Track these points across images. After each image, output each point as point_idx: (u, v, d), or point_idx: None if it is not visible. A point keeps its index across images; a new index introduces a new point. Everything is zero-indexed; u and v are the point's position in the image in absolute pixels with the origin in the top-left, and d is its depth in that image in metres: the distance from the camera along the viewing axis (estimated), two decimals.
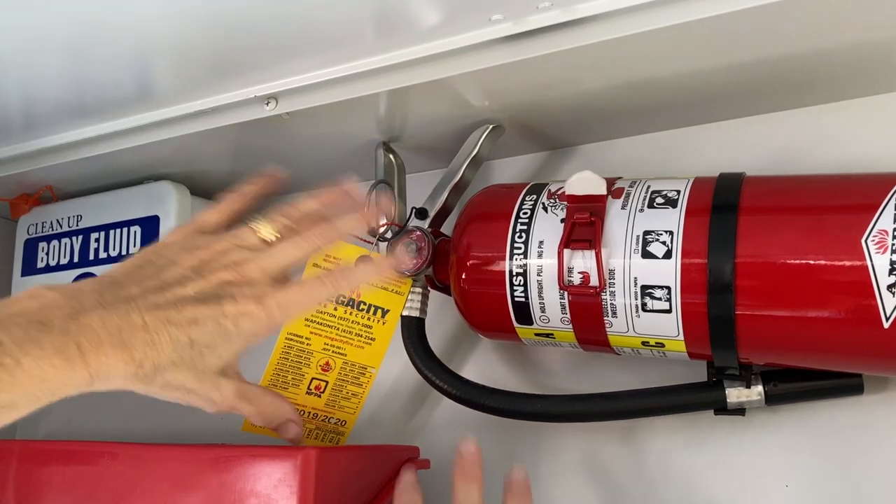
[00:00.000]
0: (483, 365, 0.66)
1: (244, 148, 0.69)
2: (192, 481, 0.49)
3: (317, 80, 0.55)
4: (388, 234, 0.61)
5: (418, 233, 0.59)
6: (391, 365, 0.62)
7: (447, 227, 0.62)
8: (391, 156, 0.66)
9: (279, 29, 0.50)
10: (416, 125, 0.64)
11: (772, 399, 0.50)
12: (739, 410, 0.51)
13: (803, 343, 0.46)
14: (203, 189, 0.76)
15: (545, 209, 0.52)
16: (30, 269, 0.79)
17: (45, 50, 0.54)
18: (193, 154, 0.70)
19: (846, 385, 0.50)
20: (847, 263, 0.43)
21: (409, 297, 0.60)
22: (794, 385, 0.50)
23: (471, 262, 0.54)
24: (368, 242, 0.62)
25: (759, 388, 0.50)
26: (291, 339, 0.59)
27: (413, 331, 0.60)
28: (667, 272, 0.46)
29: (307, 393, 0.60)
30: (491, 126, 0.61)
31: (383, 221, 0.62)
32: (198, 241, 0.44)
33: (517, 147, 0.67)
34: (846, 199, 0.45)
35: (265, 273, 0.43)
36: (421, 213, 0.61)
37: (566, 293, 0.49)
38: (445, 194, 0.61)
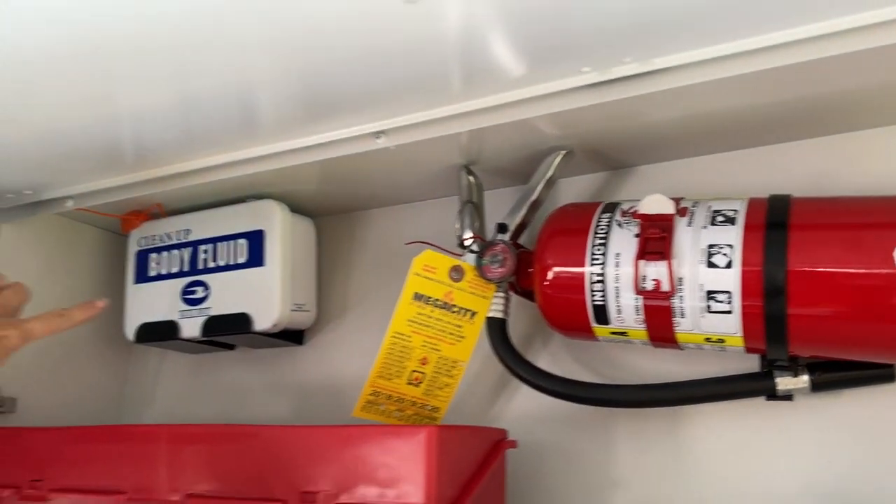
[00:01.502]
0: (555, 358, 0.75)
1: (338, 171, 0.77)
2: (327, 456, 0.58)
3: (420, 119, 0.65)
4: (474, 247, 0.71)
5: (502, 245, 0.68)
6: (473, 359, 0.71)
7: (524, 240, 0.71)
8: (471, 177, 0.75)
9: (391, 77, 0.60)
10: (493, 151, 0.73)
11: (816, 386, 0.59)
12: (787, 396, 0.60)
13: (843, 338, 0.55)
14: (293, 205, 0.85)
15: (619, 225, 0.61)
16: (142, 277, 0.89)
17: (156, 96, 0.63)
18: (292, 177, 0.79)
19: (879, 374, 0.59)
20: (880, 271, 0.52)
21: (494, 301, 0.70)
22: (835, 374, 0.59)
23: (553, 270, 0.63)
24: (457, 254, 0.71)
25: (806, 377, 0.59)
26: (396, 337, 0.69)
27: (497, 330, 0.69)
28: (728, 280, 0.55)
29: (408, 383, 0.70)
30: (564, 152, 0.70)
31: (469, 235, 0.72)
32: None
33: (582, 167, 0.76)
34: (879, 217, 0.54)
35: (7, 308, 0.68)
36: (502, 228, 0.70)
37: (640, 297, 0.58)
38: (523, 211, 0.70)
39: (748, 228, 0.56)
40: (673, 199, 0.60)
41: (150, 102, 0.64)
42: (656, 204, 0.58)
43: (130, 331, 0.88)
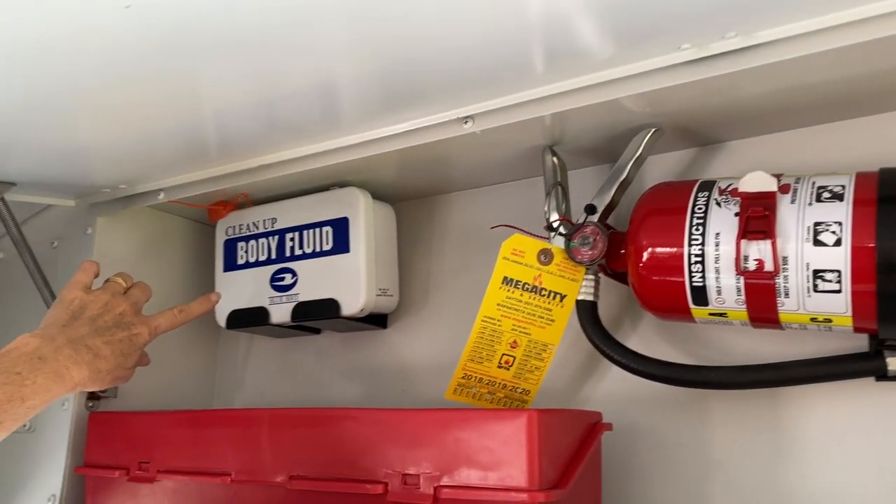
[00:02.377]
0: (645, 340, 0.74)
1: (419, 157, 0.78)
2: (427, 439, 0.59)
3: (507, 103, 0.65)
4: (563, 230, 0.70)
5: (592, 227, 0.68)
6: (560, 342, 0.71)
7: (612, 220, 0.70)
8: (555, 158, 0.75)
9: (476, 62, 0.59)
10: (577, 131, 0.72)
11: None
12: None
13: None
14: (374, 191, 0.86)
15: (718, 204, 0.59)
16: (230, 265, 0.92)
17: (241, 94, 0.64)
18: (373, 164, 0.80)
19: None
20: None
21: (584, 284, 0.69)
22: None
23: (649, 251, 0.62)
24: (544, 237, 0.71)
25: None
26: (486, 321, 0.69)
27: (589, 313, 0.69)
28: (837, 258, 0.54)
29: (498, 367, 0.70)
30: (653, 129, 0.69)
31: (556, 217, 0.71)
32: (91, 294, 0.73)
33: (670, 144, 0.74)
34: None
35: (138, 306, 0.75)
36: (591, 209, 0.69)
37: (742, 278, 0.57)
38: (612, 191, 0.69)
39: (858, 204, 0.54)
40: (774, 175, 0.58)
41: (234, 97, 0.66)
42: (758, 181, 0.57)
43: (221, 317, 0.91)
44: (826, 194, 0.56)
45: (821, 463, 0.65)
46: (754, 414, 0.68)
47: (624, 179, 0.69)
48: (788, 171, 0.61)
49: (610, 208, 0.70)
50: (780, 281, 0.56)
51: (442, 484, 0.58)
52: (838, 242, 0.54)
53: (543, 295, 0.69)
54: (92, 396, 0.87)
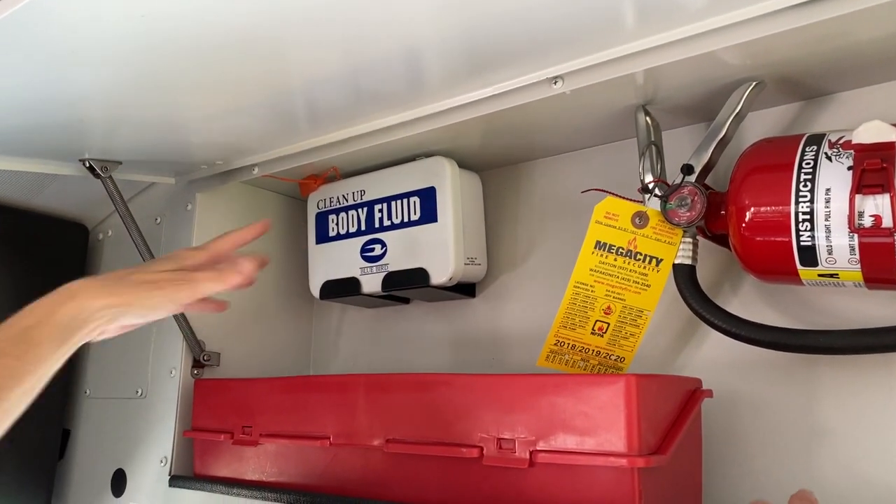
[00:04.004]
0: (746, 304, 0.71)
1: (505, 123, 0.77)
2: (521, 404, 0.59)
3: (599, 60, 0.62)
4: (658, 191, 0.68)
5: (690, 188, 0.65)
6: (657, 309, 0.69)
7: (710, 181, 0.67)
8: (648, 118, 0.72)
9: (561, 19, 0.57)
10: (671, 88, 0.69)
11: None
12: None
13: None
14: (459, 160, 0.86)
15: (829, 158, 0.56)
16: (322, 238, 0.94)
17: (328, 66, 0.65)
18: (459, 132, 0.79)
19: None
20: None
21: (681, 247, 0.67)
22: None
23: (752, 211, 0.59)
24: (637, 200, 0.69)
25: None
26: (578, 287, 0.68)
27: (687, 277, 0.66)
28: None
29: (591, 333, 0.69)
30: (754, 83, 0.65)
31: (651, 178, 0.69)
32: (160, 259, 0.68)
33: (773, 99, 0.70)
34: None
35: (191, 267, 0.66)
36: (688, 169, 0.67)
37: (856, 235, 0.54)
38: (711, 150, 0.66)
39: None
40: (894, 125, 0.54)
41: (321, 70, 0.66)
42: (875, 131, 0.53)
43: (315, 288, 0.94)
44: None
45: None
46: (866, 381, 0.64)
47: (723, 137, 0.66)
48: None
49: (708, 168, 0.67)
50: None
51: (538, 448, 0.57)
52: None
53: (638, 259, 0.67)
54: (196, 364, 0.92)
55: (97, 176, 0.84)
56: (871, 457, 0.63)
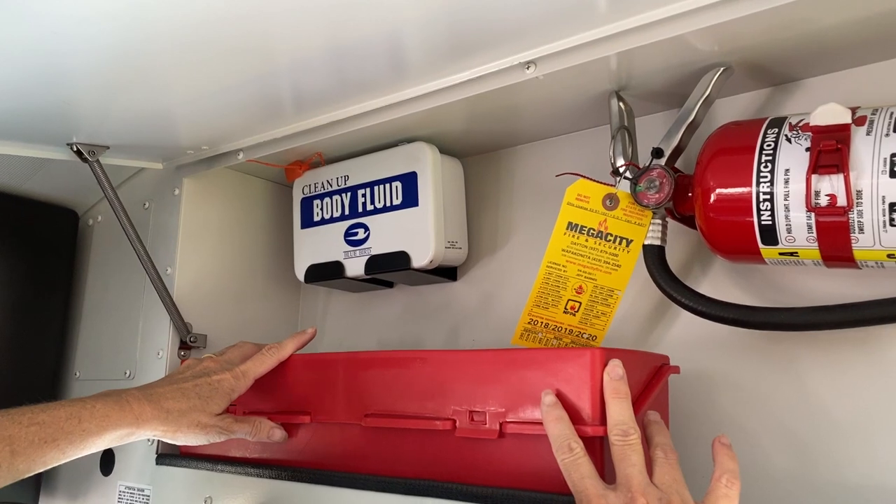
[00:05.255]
0: (716, 285, 0.73)
1: (485, 108, 0.78)
2: (493, 378, 0.61)
3: (570, 44, 0.64)
4: (628, 174, 0.70)
5: (659, 170, 0.67)
6: (628, 287, 0.71)
7: (680, 164, 0.69)
8: (621, 103, 0.74)
9: (539, 3, 0.59)
10: (644, 74, 0.70)
11: None
12: None
13: None
14: (441, 146, 0.88)
15: (788, 140, 0.58)
16: (307, 223, 0.96)
17: (311, 49, 0.66)
18: (440, 117, 0.81)
19: None
20: None
21: (651, 228, 0.69)
22: None
23: (717, 192, 0.61)
24: (610, 184, 0.70)
25: None
26: (551, 267, 0.70)
27: (656, 257, 0.68)
28: None
29: (564, 312, 0.71)
30: (722, 69, 0.67)
31: (622, 161, 0.71)
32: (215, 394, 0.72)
33: (742, 85, 0.72)
34: None
35: (225, 361, 0.75)
36: (657, 153, 0.68)
37: (813, 214, 0.56)
38: (680, 134, 0.68)
39: None
40: (850, 108, 0.56)
41: (305, 53, 0.68)
42: (830, 114, 0.55)
43: (300, 272, 0.96)
44: None
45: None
46: (832, 357, 0.66)
47: (692, 122, 0.68)
48: (872, 106, 0.58)
49: (678, 152, 0.69)
50: (853, 216, 0.54)
51: (507, 420, 0.60)
52: None
53: (609, 240, 0.69)
54: (183, 346, 0.94)
55: (85, 160, 0.86)
56: (813, 433, 0.66)
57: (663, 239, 0.69)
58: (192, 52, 0.66)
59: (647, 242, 0.69)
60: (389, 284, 0.99)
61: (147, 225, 0.99)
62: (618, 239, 0.69)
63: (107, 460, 0.96)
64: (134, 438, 0.66)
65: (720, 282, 0.73)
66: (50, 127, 0.81)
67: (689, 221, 0.68)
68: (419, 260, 0.85)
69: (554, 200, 0.70)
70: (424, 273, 0.88)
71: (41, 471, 0.60)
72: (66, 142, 0.85)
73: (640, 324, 0.77)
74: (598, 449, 0.56)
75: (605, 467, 0.55)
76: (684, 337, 0.74)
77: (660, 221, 0.69)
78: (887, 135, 0.53)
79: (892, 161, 0.52)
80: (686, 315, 0.68)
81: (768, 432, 0.68)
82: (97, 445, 0.63)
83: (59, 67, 0.68)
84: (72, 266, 1.11)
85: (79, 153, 0.85)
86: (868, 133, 0.54)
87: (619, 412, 0.54)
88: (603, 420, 0.55)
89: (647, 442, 0.55)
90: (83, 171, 0.88)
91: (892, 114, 0.55)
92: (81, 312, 1.08)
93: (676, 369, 0.67)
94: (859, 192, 0.54)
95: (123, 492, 0.92)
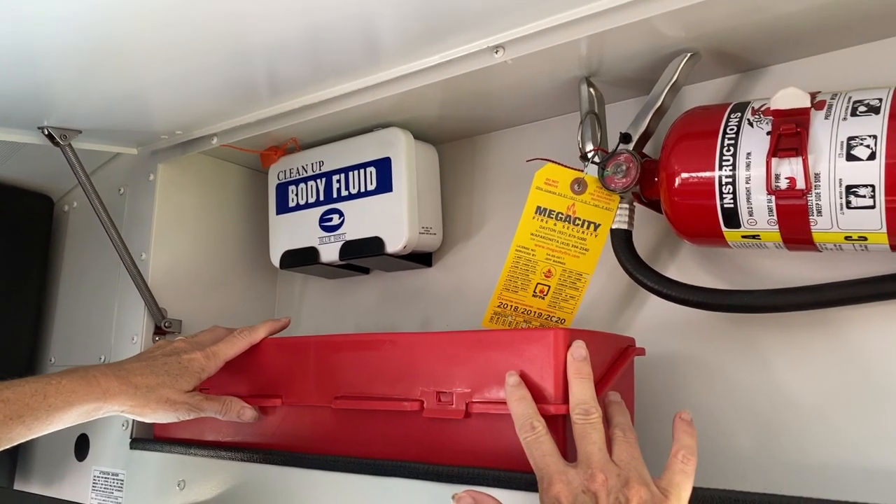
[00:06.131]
0: (683, 270, 0.74)
1: (458, 94, 0.79)
2: (458, 360, 0.62)
3: (538, 28, 0.65)
4: (597, 159, 0.70)
5: (626, 155, 0.68)
6: (599, 272, 0.72)
7: (648, 149, 0.70)
8: (591, 89, 0.74)
9: None
10: (613, 60, 0.71)
11: None
12: None
13: None
14: (416, 132, 0.88)
15: (750, 124, 0.59)
16: (282, 208, 0.96)
17: (285, 31, 0.66)
18: (414, 103, 0.82)
19: None
20: None
21: (618, 213, 0.69)
22: None
23: (681, 176, 0.62)
24: (580, 169, 0.71)
25: None
26: (520, 251, 0.71)
27: (623, 241, 0.69)
28: (871, 172, 0.52)
29: (533, 295, 0.72)
30: (689, 54, 0.68)
31: (591, 147, 0.71)
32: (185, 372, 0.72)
33: (709, 72, 0.73)
34: None
35: (196, 342, 0.75)
36: (625, 138, 0.69)
37: (773, 197, 0.57)
38: (647, 119, 0.69)
39: (894, 117, 0.52)
40: (810, 93, 0.57)
41: (279, 36, 0.68)
42: (790, 97, 0.55)
43: (276, 257, 0.96)
44: (862, 108, 0.54)
45: (885, 377, 0.63)
46: (804, 338, 0.67)
47: (659, 107, 0.69)
48: (834, 91, 0.59)
49: (646, 137, 0.69)
50: (812, 199, 0.55)
51: (473, 400, 0.60)
52: (872, 156, 0.52)
53: (577, 224, 0.70)
54: (158, 331, 0.94)
55: (57, 144, 0.85)
56: (777, 413, 0.67)
57: (630, 223, 0.69)
58: (164, 35, 0.66)
59: (614, 226, 0.69)
60: (365, 270, 0.99)
61: (122, 210, 0.99)
62: (586, 223, 0.70)
63: (81, 446, 0.96)
64: (102, 414, 0.66)
65: (687, 266, 0.74)
66: (20, 110, 0.81)
67: (655, 206, 0.69)
68: (393, 245, 0.85)
69: (528, 186, 0.71)
70: (399, 259, 0.89)
71: (7, 447, 0.60)
72: (38, 125, 0.85)
73: (610, 307, 0.78)
74: (560, 427, 0.56)
75: (566, 445, 0.56)
76: (652, 320, 0.75)
77: (627, 206, 0.69)
78: (845, 119, 0.54)
79: (848, 144, 0.53)
80: (654, 299, 0.69)
81: (733, 412, 0.69)
82: (64, 421, 0.63)
83: (29, 49, 0.67)
84: (47, 252, 1.10)
85: (50, 137, 0.85)
86: (826, 117, 0.55)
87: (581, 392, 0.55)
88: (565, 399, 0.56)
89: (607, 422, 0.56)
90: (57, 157, 0.88)
91: (850, 98, 0.55)
92: (56, 298, 1.08)
93: (641, 351, 0.68)
94: (817, 175, 0.54)
95: (98, 476, 0.92)
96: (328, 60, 0.74)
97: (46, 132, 0.85)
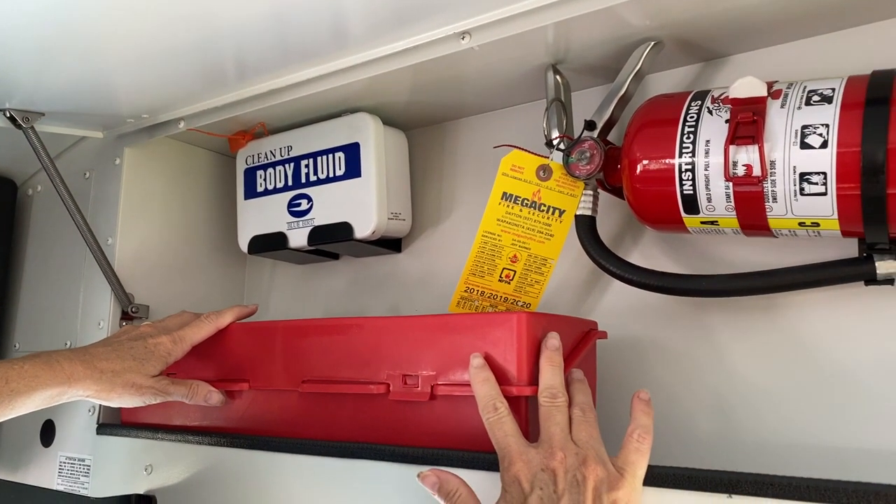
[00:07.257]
0: (646, 256, 0.75)
1: (426, 80, 0.79)
2: (424, 343, 0.63)
3: (504, 15, 0.65)
4: (562, 146, 0.71)
5: (590, 142, 0.69)
6: (564, 258, 0.73)
7: (613, 137, 0.71)
8: (558, 77, 0.75)
9: None
10: (579, 48, 0.72)
11: None
12: (888, 281, 0.59)
13: None
14: (385, 118, 0.88)
15: (710, 112, 0.60)
16: (251, 193, 0.96)
17: (252, 14, 0.66)
18: (383, 88, 0.82)
19: None
20: None
21: (582, 199, 0.71)
22: None
23: (642, 163, 0.63)
24: (546, 156, 0.72)
25: None
26: (486, 236, 0.71)
27: (586, 227, 0.70)
28: (823, 160, 0.54)
29: (499, 280, 0.73)
30: (652, 43, 0.69)
31: (556, 134, 0.72)
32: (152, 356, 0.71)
33: (673, 61, 0.74)
34: None
35: (163, 326, 0.74)
36: (590, 125, 0.70)
37: (731, 184, 0.58)
38: (612, 107, 0.70)
39: (846, 107, 0.54)
40: (768, 82, 0.58)
41: (245, 18, 0.67)
42: (748, 86, 0.57)
43: (244, 243, 0.96)
44: (815, 97, 0.56)
45: (826, 361, 0.65)
46: (754, 320, 0.69)
47: (623, 95, 0.70)
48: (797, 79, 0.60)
49: (610, 124, 0.71)
50: (767, 185, 0.57)
51: (438, 383, 0.61)
52: (824, 145, 0.54)
53: (543, 210, 0.71)
54: (125, 317, 0.93)
55: (19, 127, 0.84)
56: (736, 392, 0.69)
57: (594, 209, 0.71)
58: (128, 17, 0.65)
59: (578, 213, 0.71)
60: (335, 256, 1.00)
61: (88, 195, 0.98)
62: (551, 209, 0.71)
63: (47, 431, 0.95)
64: (66, 399, 0.65)
65: (650, 252, 0.76)
66: None
67: (618, 192, 0.70)
68: (362, 231, 0.85)
69: (494, 173, 0.72)
70: (368, 244, 0.89)
71: None
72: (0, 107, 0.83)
73: (574, 292, 0.79)
74: (522, 408, 0.58)
75: (529, 426, 0.57)
76: (616, 305, 0.77)
77: (591, 192, 0.71)
78: (799, 108, 0.56)
79: (803, 133, 0.55)
80: (617, 284, 0.71)
81: (692, 394, 0.71)
82: (27, 406, 0.63)
83: None
84: (10, 236, 1.09)
85: (12, 119, 0.84)
86: (782, 106, 0.57)
87: (551, 377, 0.56)
88: (528, 381, 0.57)
89: (569, 401, 0.57)
90: (21, 140, 0.87)
91: (805, 88, 0.57)
92: (21, 283, 1.07)
93: (604, 334, 0.69)
94: (773, 163, 0.56)
95: (64, 462, 0.92)
96: (295, 44, 0.74)
97: (8, 114, 0.83)
